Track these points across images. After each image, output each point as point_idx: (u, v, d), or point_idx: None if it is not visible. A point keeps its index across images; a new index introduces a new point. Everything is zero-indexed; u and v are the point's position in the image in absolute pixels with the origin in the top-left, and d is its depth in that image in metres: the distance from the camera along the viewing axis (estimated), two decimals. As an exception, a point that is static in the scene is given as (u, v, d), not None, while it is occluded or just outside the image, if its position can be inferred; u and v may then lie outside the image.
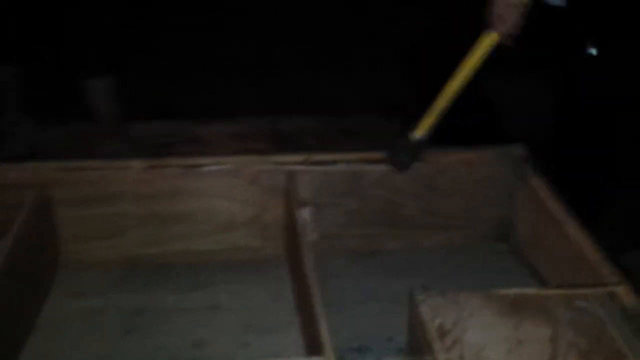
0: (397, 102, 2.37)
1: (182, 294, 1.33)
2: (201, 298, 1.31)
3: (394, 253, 1.43)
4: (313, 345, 1.00)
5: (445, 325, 0.98)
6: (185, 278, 1.38)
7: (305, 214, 1.23)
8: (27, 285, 1.21)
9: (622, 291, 1.05)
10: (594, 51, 1.55)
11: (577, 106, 1.64)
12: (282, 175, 1.37)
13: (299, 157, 1.38)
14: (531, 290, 1.07)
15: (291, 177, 1.36)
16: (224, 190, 1.39)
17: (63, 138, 2.13)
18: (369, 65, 2.80)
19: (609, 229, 1.52)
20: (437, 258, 1.42)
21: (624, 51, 1.56)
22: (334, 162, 1.38)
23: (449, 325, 0.98)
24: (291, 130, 2.24)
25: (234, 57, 2.86)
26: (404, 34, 2.32)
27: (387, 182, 1.41)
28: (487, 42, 1.29)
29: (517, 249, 1.43)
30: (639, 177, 1.90)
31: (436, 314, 0.99)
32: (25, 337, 1.18)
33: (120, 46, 2.13)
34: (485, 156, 1.43)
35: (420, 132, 1.37)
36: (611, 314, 1.01)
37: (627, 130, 1.74)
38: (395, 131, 2.28)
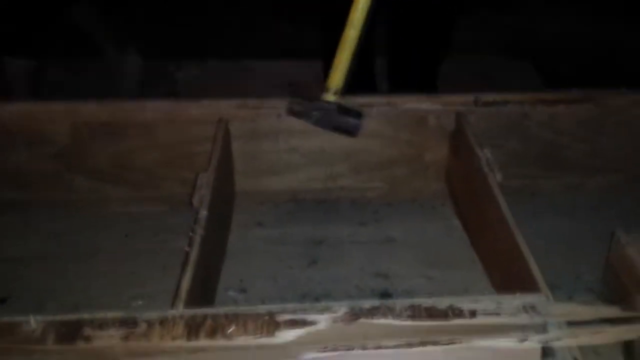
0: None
1: (353, 227, 1.39)
2: (373, 232, 1.37)
3: (556, 194, 1.45)
4: (521, 283, 1.03)
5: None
6: (351, 213, 1.43)
7: (488, 154, 1.24)
8: (220, 215, 1.29)
9: None
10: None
11: None
12: (450, 115, 1.39)
13: (468, 98, 1.38)
14: None
15: (460, 117, 1.37)
16: (389, 129, 1.41)
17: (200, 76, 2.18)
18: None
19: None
20: (601, 200, 1.43)
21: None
22: (505, 102, 1.38)
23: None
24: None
25: None
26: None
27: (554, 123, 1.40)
28: None
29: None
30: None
31: (643, 256, 1.01)
32: (221, 263, 1.27)
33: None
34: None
35: (333, 94, 1.25)
36: None
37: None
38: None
